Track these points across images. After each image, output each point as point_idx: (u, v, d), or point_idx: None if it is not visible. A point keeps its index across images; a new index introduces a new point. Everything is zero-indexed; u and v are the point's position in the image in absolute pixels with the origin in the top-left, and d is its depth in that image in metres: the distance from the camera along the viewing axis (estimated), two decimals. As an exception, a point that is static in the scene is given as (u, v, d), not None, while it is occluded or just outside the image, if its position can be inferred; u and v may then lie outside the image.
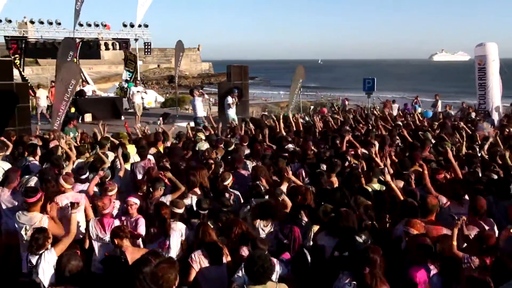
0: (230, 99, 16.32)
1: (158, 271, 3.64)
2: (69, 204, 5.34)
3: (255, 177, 6.92)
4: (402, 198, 5.68)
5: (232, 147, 9.23)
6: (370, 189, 6.47)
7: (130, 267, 4.34)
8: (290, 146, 9.45)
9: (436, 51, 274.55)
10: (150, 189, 6.41)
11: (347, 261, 4.41)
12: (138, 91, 19.52)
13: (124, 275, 4.33)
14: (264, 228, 5.47)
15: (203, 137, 10.19)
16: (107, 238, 5.31)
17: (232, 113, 16.30)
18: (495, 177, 6.85)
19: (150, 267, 3.71)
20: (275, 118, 13.69)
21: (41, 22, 21.33)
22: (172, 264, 3.75)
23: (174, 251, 5.26)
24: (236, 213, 5.97)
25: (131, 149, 8.96)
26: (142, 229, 5.58)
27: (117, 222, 5.48)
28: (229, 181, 6.78)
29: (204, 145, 9.48)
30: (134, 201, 5.84)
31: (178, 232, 5.39)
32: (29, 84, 20.71)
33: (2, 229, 6.49)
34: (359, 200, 5.68)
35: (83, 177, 6.89)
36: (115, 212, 6.09)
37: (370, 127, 11.70)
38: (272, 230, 5.45)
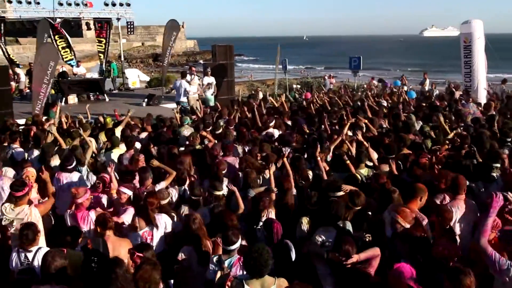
0: (207, 79, 15.70)
1: (143, 274, 3.61)
2: None
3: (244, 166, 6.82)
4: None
5: (220, 131, 9.17)
6: (358, 176, 6.46)
7: (109, 258, 4.34)
8: (271, 130, 9.43)
9: (427, 26, 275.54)
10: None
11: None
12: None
13: (103, 264, 4.32)
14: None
15: (190, 122, 10.02)
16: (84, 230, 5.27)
17: (210, 96, 15.67)
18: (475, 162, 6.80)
19: (122, 269, 3.67)
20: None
21: (19, 2, 20.69)
22: (155, 266, 3.72)
23: (157, 243, 5.23)
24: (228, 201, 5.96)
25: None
26: (127, 218, 5.52)
27: (92, 215, 5.42)
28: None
29: (186, 130, 9.33)
30: (124, 191, 5.80)
31: (162, 224, 5.34)
32: (16, 63, 20.32)
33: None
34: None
35: (70, 167, 6.73)
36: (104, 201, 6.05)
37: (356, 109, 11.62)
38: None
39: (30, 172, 6.25)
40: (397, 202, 5.09)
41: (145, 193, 5.93)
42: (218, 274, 4.21)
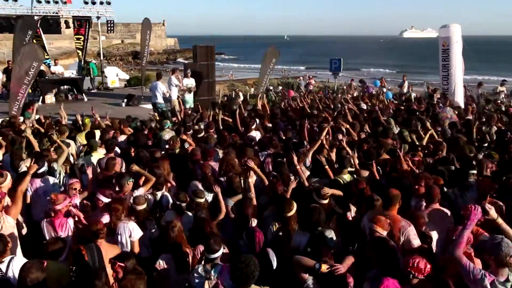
0: (187, 81, 15.42)
1: (127, 283, 3.58)
2: None
3: (224, 171, 6.83)
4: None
5: (202, 134, 9.13)
6: (341, 181, 6.48)
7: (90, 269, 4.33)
8: (254, 134, 9.42)
9: (406, 27, 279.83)
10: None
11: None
12: None
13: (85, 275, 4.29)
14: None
15: (171, 125, 9.95)
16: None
17: (189, 97, 15.43)
18: (452, 168, 6.91)
19: (102, 281, 3.64)
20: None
21: (-4, -2, 20.22)
22: (140, 275, 3.70)
23: (127, 251, 5.16)
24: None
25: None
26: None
27: (71, 222, 5.36)
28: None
29: (167, 134, 9.23)
30: (101, 198, 5.78)
31: (126, 231, 5.26)
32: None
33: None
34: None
35: (41, 171, 6.52)
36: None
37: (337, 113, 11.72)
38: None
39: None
40: (379, 209, 5.15)
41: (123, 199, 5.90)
42: (206, 285, 4.19)
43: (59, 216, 5.37)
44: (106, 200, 5.79)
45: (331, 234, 4.99)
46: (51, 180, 6.61)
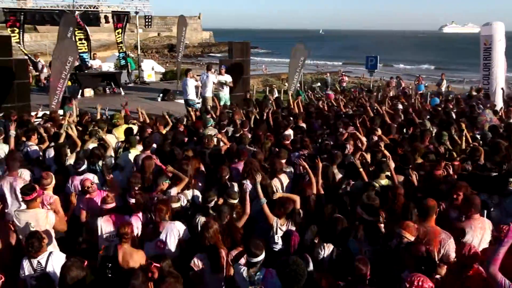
0: (223, 78, 15.26)
1: (167, 287, 3.66)
2: None
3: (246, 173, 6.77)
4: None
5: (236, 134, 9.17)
6: (377, 185, 6.33)
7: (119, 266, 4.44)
8: (288, 133, 9.38)
9: (446, 22, 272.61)
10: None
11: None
12: None
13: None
14: (281, 227, 5.51)
15: (213, 123, 9.94)
16: None
17: (223, 94, 15.17)
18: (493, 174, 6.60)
19: (139, 280, 3.71)
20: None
21: (40, -6, 20.92)
22: (178, 278, 3.76)
23: (171, 252, 5.24)
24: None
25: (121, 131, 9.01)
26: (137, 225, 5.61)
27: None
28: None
29: (210, 131, 9.18)
30: (130, 200, 5.87)
31: (176, 232, 5.34)
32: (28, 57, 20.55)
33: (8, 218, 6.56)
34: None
35: (81, 169, 6.76)
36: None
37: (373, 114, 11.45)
38: (289, 228, 5.49)
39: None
40: (415, 218, 5.06)
41: (157, 198, 6.02)
42: None
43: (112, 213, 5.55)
44: (132, 200, 5.87)
45: (355, 244, 4.93)
46: (91, 177, 6.75)
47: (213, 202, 5.84)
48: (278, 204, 5.68)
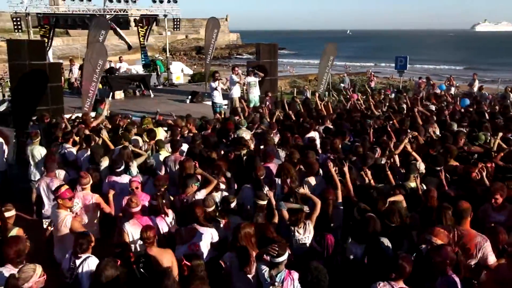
0: (250, 79, 15.37)
1: None
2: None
3: (279, 174, 6.81)
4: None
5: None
6: (407, 187, 6.27)
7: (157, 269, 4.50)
8: (311, 135, 9.35)
9: (479, 21, 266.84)
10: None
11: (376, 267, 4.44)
12: None
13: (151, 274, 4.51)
14: (298, 231, 5.48)
15: (246, 124, 9.95)
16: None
17: (252, 96, 15.19)
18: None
19: (171, 280, 3.77)
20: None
21: (72, -1, 21.44)
22: (204, 280, 3.82)
23: (203, 255, 5.26)
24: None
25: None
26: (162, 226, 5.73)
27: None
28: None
29: (244, 133, 9.16)
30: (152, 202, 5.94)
31: (208, 235, 5.39)
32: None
33: (45, 216, 6.81)
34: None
35: (119, 170, 6.92)
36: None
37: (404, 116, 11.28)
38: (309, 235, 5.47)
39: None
40: (450, 220, 5.00)
41: (186, 200, 6.09)
42: None
43: (138, 216, 5.63)
44: (154, 202, 5.90)
45: (387, 242, 4.88)
46: (127, 178, 6.90)
47: (233, 204, 5.90)
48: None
